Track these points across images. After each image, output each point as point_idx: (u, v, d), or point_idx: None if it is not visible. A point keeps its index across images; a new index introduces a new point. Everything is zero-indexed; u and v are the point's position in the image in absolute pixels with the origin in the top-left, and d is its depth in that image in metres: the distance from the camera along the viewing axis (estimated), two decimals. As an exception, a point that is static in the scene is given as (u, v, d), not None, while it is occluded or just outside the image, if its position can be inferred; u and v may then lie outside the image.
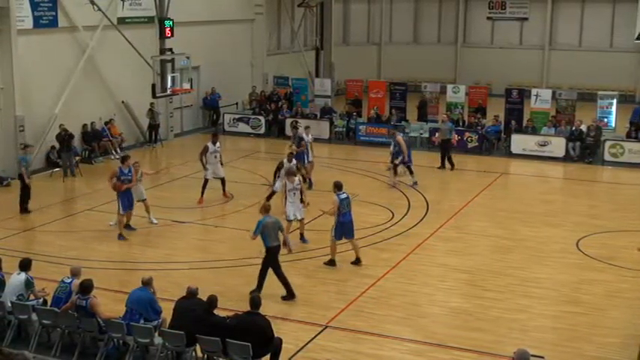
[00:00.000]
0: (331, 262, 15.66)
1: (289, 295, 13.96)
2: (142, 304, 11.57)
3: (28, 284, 12.25)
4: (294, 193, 16.84)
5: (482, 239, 17.79)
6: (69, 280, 12.15)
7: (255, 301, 10.93)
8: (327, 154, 27.27)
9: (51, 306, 12.07)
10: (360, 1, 44.03)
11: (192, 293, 11.38)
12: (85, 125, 25.37)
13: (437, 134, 26.10)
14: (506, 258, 16.41)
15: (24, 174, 19.47)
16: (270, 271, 13.95)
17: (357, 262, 15.69)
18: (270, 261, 13.91)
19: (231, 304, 12.73)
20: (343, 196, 15.44)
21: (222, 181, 20.58)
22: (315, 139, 28.58)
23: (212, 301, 11.08)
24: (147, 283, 11.82)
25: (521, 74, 40.08)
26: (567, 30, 40.70)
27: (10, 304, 12.06)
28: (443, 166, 24.57)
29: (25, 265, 12.43)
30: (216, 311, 11.15)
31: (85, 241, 17.46)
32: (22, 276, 12.26)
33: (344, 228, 15.38)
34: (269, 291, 13.96)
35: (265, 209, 14.24)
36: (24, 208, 19.42)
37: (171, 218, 18.90)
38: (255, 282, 13.93)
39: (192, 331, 10.90)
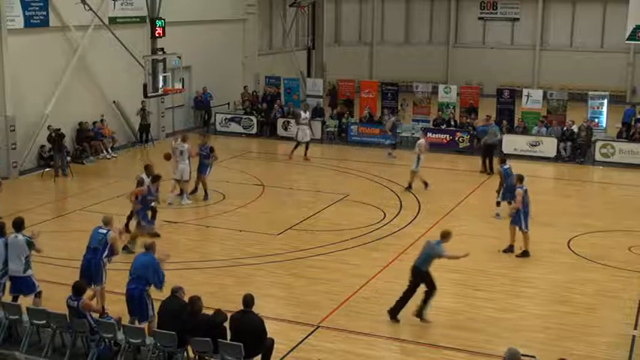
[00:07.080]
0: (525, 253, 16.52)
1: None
2: (147, 269, 11.77)
3: (30, 244, 12.35)
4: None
5: (474, 239, 17.80)
6: (105, 231, 12.63)
7: (247, 299, 10.87)
8: (319, 154, 27.25)
9: (87, 257, 12.56)
10: (352, 1, 44.05)
11: (173, 292, 11.33)
12: (77, 124, 25.29)
13: (484, 138, 24.92)
14: (498, 258, 16.45)
15: None
16: None
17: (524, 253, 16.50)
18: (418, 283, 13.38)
19: (221, 305, 12.69)
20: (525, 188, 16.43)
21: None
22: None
23: (193, 302, 10.96)
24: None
25: (513, 74, 40.21)
26: (558, 30, 40.87)
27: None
28: (485, 170, 24.07)
29: (18, 225, 12.46)
30: (204, 311, 11.08)
31: (77, 241, 17.35)
32: (21, 237, 12.31)
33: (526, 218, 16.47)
34: (261, 291, 13.98)
35: (443, 236, 13.35)
36: None
37: (162, 218, 18.83)
38: (254, 283, 13.81)
39: (179, 333, 10.87)
